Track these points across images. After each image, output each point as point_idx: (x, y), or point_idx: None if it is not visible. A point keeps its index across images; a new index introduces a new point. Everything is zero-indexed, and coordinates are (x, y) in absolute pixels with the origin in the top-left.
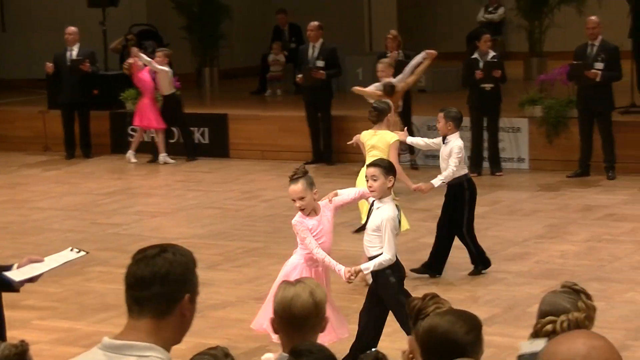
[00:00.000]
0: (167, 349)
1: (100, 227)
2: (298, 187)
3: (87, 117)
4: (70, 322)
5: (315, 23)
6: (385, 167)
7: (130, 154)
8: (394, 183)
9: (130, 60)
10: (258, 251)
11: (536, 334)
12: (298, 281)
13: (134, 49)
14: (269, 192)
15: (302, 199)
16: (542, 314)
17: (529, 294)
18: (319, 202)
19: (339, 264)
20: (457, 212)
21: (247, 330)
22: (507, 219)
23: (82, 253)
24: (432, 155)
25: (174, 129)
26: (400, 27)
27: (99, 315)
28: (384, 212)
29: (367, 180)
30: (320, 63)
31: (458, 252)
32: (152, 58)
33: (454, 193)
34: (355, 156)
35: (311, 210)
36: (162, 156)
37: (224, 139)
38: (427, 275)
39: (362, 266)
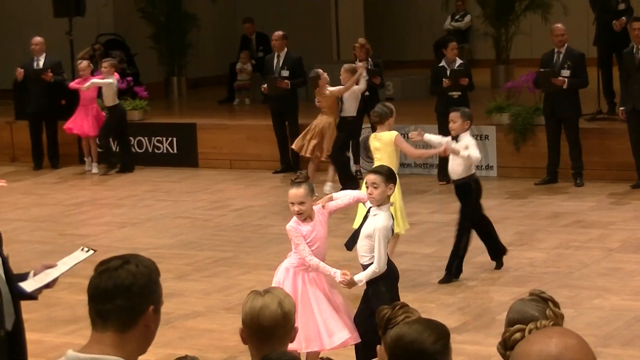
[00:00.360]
0: None
1: (68, 238)
2: (300, 191)
3: (54, 127)
4: (39, 333)
5: (280, 33)
6: (386, 174)
7: (93, 165)
8: (393, 191)
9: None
10: (227, 261)
11: (504, 343)
12: (267, 291)
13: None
14: (238, 201)
15: (302, 203)
16: (510, 322)
17: (499, 301)
18: (313, 207)
19: (334, 268)
20: (462, 210)
21: (217, 340)
22: None
23: (92, 252)
24: (401, 164)
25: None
26: (367, 35)
27: (68, 326)
28: (378, 221)
29: (367, 187)
30: (285, 73)
31: (426, 261)
32: (120, 68)
33: (464, 191)
34: (324, 165)
35: (307, 217)
36: (94, 165)
37: (193, 149)
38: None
39: (355, 278)
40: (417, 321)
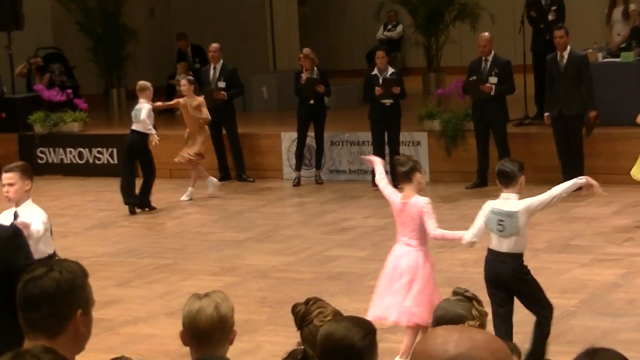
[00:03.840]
0: None
1: None
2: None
3: None
4: None
5: (216, 45)
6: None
7: None
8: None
9: None
10: (168, 267)
11: None
12: (206, 294)
13: None
14: (178, 209)
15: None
16: (437, 321)
17: None
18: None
19: (458, 232)
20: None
21: (158, 345)
22: None
23: None
24: (336, 171)
25: None
26: (302, 45)
27: None
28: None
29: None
30: (221, 84)
31: (361, 264)
32: (60, 80)
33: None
34: (268, 173)
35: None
36: None
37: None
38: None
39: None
40: (346, 318)
